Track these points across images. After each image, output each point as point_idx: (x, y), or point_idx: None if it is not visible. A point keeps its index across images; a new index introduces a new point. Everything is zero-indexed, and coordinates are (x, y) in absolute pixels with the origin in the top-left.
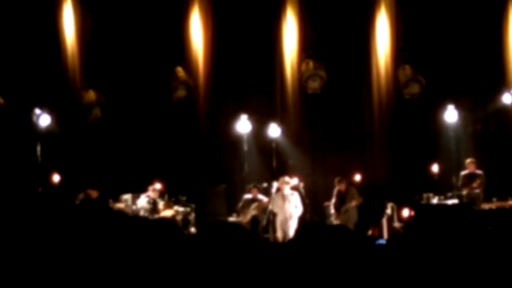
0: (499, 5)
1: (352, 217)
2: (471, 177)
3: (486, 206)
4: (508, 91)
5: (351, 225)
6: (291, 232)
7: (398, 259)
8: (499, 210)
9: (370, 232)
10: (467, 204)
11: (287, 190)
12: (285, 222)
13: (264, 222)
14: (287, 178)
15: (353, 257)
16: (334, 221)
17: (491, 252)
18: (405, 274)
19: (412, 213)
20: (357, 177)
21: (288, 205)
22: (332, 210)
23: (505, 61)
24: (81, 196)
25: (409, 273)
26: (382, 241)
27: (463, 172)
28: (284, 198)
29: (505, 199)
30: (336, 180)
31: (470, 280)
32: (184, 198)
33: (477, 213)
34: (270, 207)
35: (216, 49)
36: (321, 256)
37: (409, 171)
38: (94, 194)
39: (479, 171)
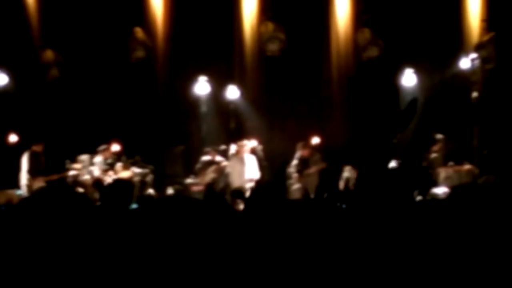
0: None
1: (313, 181)
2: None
3: (442, 170)
4: (466, 55)
5: (311, 189)
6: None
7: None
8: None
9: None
10: (424, 168)
11: (245, 153)
12: (243, 185)
13: (221, 184)
14: (245, 141)
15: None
16: (295, 184)
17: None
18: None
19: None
20: (316, 141)
21: (246, 169)
22: (295, 174)
23: (463, 25)
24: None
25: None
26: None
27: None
28: (242, 161)
29: (461, 163)
30: (300, 145)
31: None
32: (140, 159)
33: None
34: (228, 170)
35: (175, 10)
36: (276, 216)
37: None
38: (39, 148)
39: (439, 136)
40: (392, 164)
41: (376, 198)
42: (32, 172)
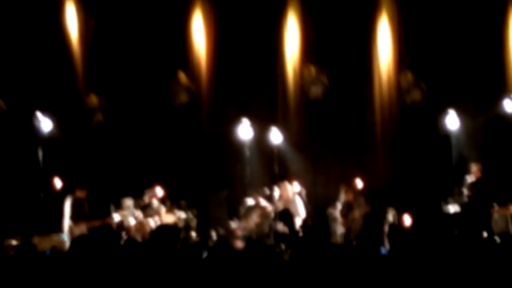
0: (500, 11)
1: (358, 226)
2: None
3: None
4: (509, 97)
5: (355, 233)
6: None
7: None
8: None
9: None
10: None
11: (290, 196)
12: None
13: (265, 229)
14: (287, 183)
15: (355, 268)
16: (340, 228)
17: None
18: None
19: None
20: (359, 184)
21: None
22: (339, 218)
23: (506, 67)
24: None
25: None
26: (383, 251)
27: (469, 179)
28: (288, 204)
29: (505, 205)
30: (343, 188)
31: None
32: (185, 203)
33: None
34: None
35: (218, 53)
36: (321, 261)
37: (412, 177)
38: (82, 194)
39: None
40: (453, 208)
41: (431, 242)
42: (74, 218)
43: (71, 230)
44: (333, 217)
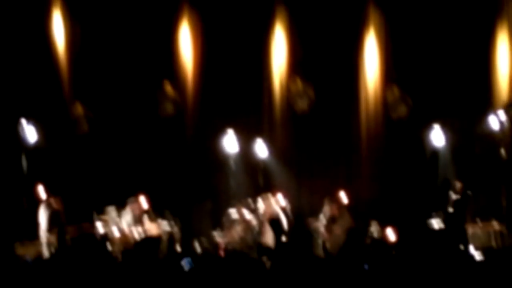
0: (486, 28)
1: (340, 240)
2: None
3: (469, 227)
4: (495, 113)
5: (337, 247)
6: None
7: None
8: None
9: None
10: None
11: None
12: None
13: (250, 242)
14: (270, 195)
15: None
16: (324, 242)
17: None
18: None
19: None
20: (344, 198)
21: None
22: (324, 232)
23: (491, 83)
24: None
25: None
26: (365, 266)
27: (453, 195)
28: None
29: (488, 220)
30: (327, 200)
31: None
32: (169, 213)
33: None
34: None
35: (205, 65)
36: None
37: (396, 191)
38: (55, 202)
39: (468, 192)
40: (435, 224)
41: (417, 257)
42: (50, 226)
43: (48, 239)
44: (315, 229)
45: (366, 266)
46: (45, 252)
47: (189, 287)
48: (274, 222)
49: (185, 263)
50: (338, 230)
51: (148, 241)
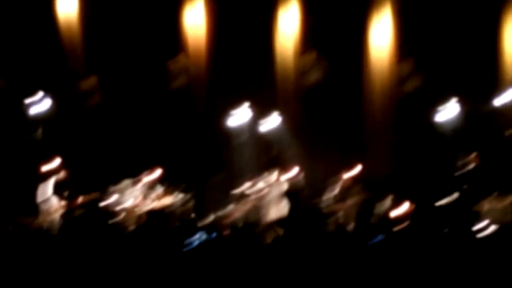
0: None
1: (352, 212)
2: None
3: (486, 202)
4: (504, 90)
5: (352, 219)
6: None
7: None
8: None
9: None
10: None
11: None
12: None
13: (254, 217)
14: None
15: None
16: (336, 215)
17: None
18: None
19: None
20: (357, 170)
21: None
22: (334, 204)
23: (502, 60)
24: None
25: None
26: (379, 238)
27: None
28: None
29: (505, 195)
30: (342, 175)
31: None
32: (181, 186)
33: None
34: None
35: (216, 37)
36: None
37: (410, 165)
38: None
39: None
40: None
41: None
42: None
43: (47, 213)
44: (327, 203)
45: (378, 238)
46: (55, 223)
47: (195, 261)
48: (290, 194)
49: (196, 238)
50: (350, 203)
51: (162, 213)
